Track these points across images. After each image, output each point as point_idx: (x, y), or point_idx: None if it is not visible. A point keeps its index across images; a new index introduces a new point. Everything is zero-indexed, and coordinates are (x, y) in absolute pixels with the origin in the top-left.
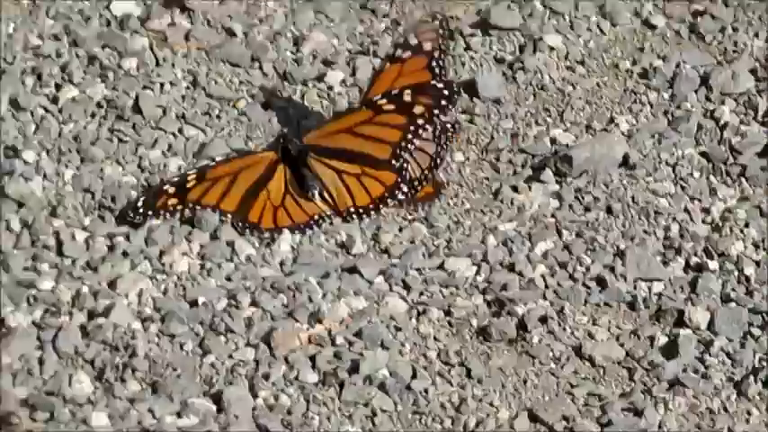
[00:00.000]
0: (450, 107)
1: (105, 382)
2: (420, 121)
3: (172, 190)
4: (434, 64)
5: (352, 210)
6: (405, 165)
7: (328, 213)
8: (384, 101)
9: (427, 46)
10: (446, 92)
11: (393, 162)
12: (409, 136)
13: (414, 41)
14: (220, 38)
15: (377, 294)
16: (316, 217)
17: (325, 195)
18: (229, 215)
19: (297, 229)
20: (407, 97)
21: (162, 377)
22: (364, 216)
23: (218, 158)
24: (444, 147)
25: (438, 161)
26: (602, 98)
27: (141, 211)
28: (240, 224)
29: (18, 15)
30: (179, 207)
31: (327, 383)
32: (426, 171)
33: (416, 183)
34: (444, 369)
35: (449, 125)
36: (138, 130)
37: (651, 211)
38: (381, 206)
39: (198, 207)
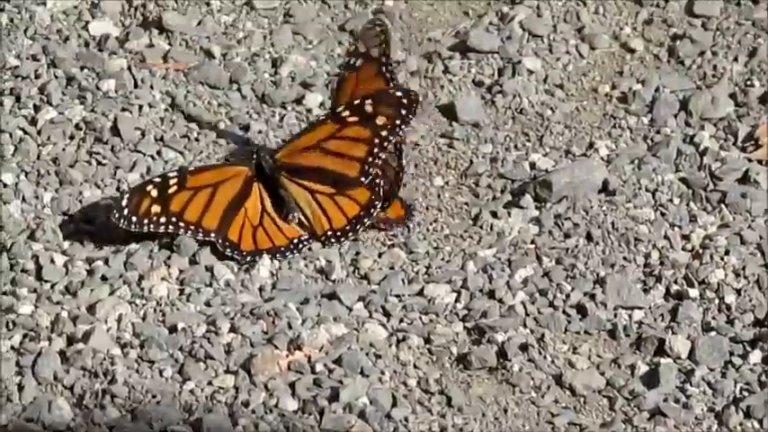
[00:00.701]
0: (411, 116)
1: (85, 408)
2: (383, 133)
3: (154, 193)
4: (384, 70)
5: (329, 233)
6: (377, 180)
7: (308, 237)
8: (347, 112)
9: (374, 52)
10: (405, 100)
11: (362, 179)
12: (375, 150)
13: (362, 49)
14: (198, 59)
15: (356, 321)
16: (296, 241)
17: (301, 218)
18: (212, 234)
19: (278, 253)
20: (369, 108)
21: (141, 404)
22: (342, 239)
23: (194, 166)
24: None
25: (401, 174)
26: (582, 122)
27: (126, 213)
28: (221, 243)
29: None
30: (162, 220)
31: (307, 411)
32: (393, 185)
33: (383, 199)
34: (424, 397)
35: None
36: (116, 153)
37: (631, 237)
38: (359, 227)
39: (180, 225)
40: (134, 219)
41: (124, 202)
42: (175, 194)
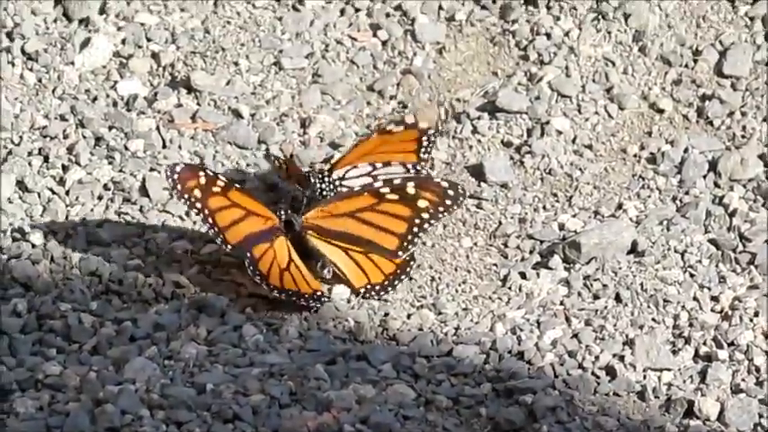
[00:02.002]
0: (455, 207)
1: None
2: (425, 216)
3: (202, 180)
4: (425, 139)
5: (368, 286)
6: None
7: (328, 295)
8: (386, 189)
9: (423, 124)
10: (451, 192)
11: (400, 253)
12: (415, 229)
13: (410, 120)
14: (227, 119)
15: (385, 382)
16: (318, 293)
17: (337, 272)
18: (230, 248)
19: (300, 299)
20: (411, 190)
21: None
22: (381, 294)
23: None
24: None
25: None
26: (610, 183)
27: (175, 179)
28: (248, 264)
29: (24, 95)
30: (198, 206)
31: None
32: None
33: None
34: None
35: None
36: (144, 213)
37: (660, 299)
38: (396, 283)
39: (209, 222)
40: (179, 188)
41: (177, 169)
42: (216, 195)
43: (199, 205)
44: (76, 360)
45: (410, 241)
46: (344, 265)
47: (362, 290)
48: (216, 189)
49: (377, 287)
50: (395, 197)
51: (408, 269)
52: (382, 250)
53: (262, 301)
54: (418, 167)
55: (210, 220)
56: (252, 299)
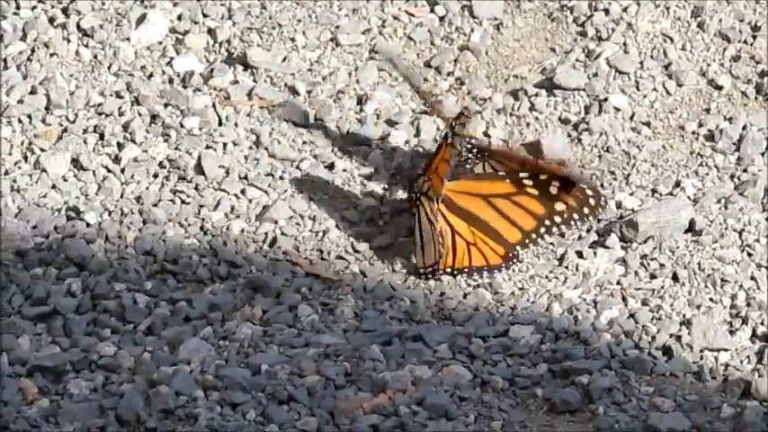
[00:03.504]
0: (592, 217)
1: None
2: (557, 220)
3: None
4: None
5: (448, 269)
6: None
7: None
8: (530, 182)
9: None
10: (592, 200)
11: (518, 248)
12: (542, 230)
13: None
14: (283, 96)
15: (441, 362)
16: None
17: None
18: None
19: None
20: (554, 189)
21: None
22: (456, 276)
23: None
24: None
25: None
26: (668, 161)
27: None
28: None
29: (80, 72)
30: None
31: None
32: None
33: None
34: None
35: None
36: (200, 191)
37: (717, 278)
38: (474, 275)
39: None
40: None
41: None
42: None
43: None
44: (131, 341)
45: (533, 240)
46: (443, 243)
47: (441, 270)
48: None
49: (455, 272)
50: (535, 192)
51: (495, 272)
52: (501, 240)
53: (317, 281)
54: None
55: None
56: (307, 278)
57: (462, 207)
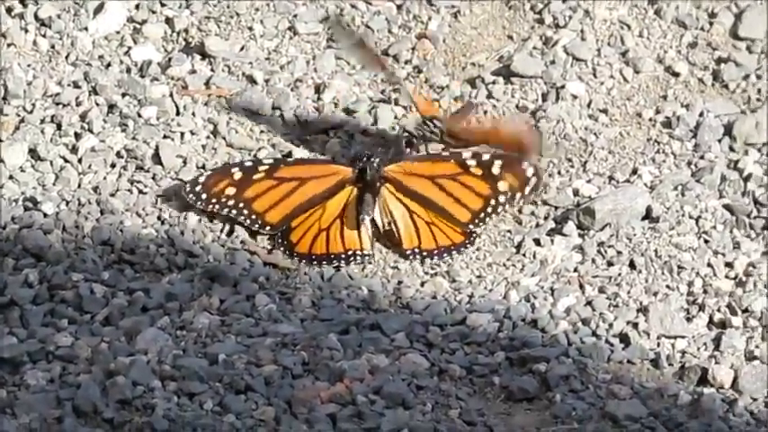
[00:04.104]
0: (533, 195)
1: None
2: (501, 199)
3: (237, 176)
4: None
5: (416, 250)
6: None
7: (365, 252)
8: (473, 162)
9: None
10: (534, 178)
11: (470, 227)
12: (489, 210)
13: None
14: (241, 85)
15: (398, 351)
16: (350, 252)
17: (393, 229)
18: (268, 228)
19: (326, 261)
20: (496, 169)
21: None
22: (425, 259)
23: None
24: None
25: None
26: (625, 148)
27: (198, 190)
28: (278, 240)
29: (37, 62)
30: (230, 203)
31: None
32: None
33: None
34: (466, 428)
35: None
36: (157, 181)
37: (674, 265)
38: (445, 256)
39: (244, 212)
40: (204, 196)
41: (201, 179)
42: (258, 181)
43: (232, 202)
44: (88, 331)
45: (482, 219)
46: (403, 225)
47: (409, 252)
48: (258, 176)
49: (424, 253)
50: (479, 172)
51: (462, 250)
52: (453, 220)
53: (275, 270)
54: None
55: (246, 211)
56: (265, 268)
57: (411, 188)
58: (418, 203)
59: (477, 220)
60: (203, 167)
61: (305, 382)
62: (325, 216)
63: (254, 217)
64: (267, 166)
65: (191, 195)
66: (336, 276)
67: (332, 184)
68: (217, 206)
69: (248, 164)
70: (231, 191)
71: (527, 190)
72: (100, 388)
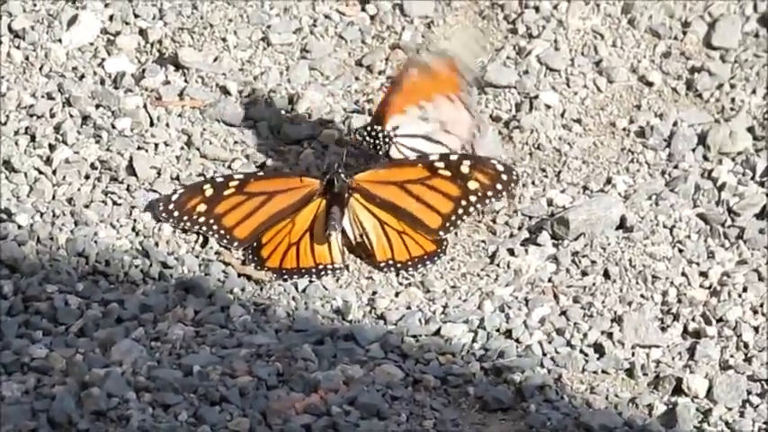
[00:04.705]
0: (505, 193)
1: None
2: (472, 199)
3: (209, 192)
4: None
5: (390, 262)
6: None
7: (336, 266)
8: (441, 164)
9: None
10: (504, 176)
11: (441, 233)
12: (460, 211)
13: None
14: (215, 96)
15: (373, 362)
16: (320, 266)
17: (365, 241)
18: (236, 244)
19: (297, 275)
20: (465, 169)
21: None
22: (400, 271)
23: (267, 169)
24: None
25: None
26: (599, 158)
27: (170, 208)
28: (249, 256)
29: (11, 73)
30: (201, 220)
31: None
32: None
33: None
34: None
35: None
36: (131, 192)
37: (648, 275)
38: (419, 267)
39: (213, 227)
40: (176, 214)
41: (174, 197)
42: (228, 197)
43: (203, 219)
44: (63, 342)
45: (453, 222)
46: (375, 236)
47: (382, 264)
48: (228, 191)
49: (398, 264)
50: (447, 174)
51: (435, 259)
52: (424, 227)
53: (249, 282)
54: (462, 95)
55: (216, 227)
56: (239, 279)
57: (381, 197)
58: (388, 212)
59: (448, 224)
60: (177, 178)
61: (280, 393)
62: (294, 230)
63: (222, 232)
64: (237, 182)
65: (163, 214)
66: (311, 287)
67: (300, 197)
68: (188, 224)
69: (220, 179)
70: (202, 207)
71: (498, 187)
72: (75, 399)
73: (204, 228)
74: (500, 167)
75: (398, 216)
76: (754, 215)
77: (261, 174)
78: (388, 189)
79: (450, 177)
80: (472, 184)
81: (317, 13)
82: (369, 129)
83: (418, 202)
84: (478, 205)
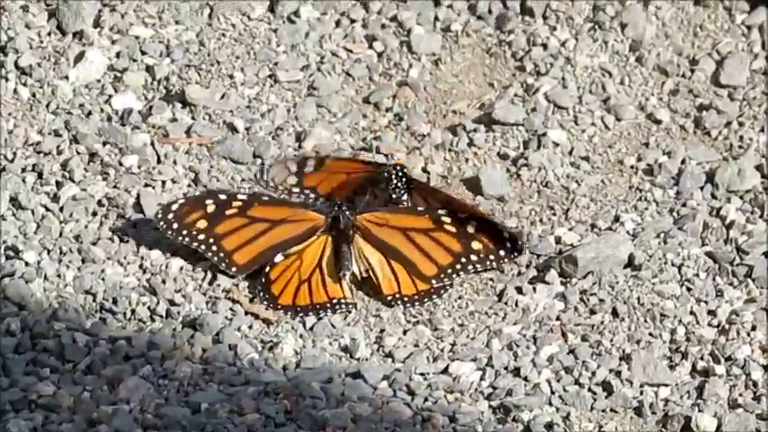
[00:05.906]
0: (507, 260)
1: None
2: (473, 258)
3: (210, 209)
4: None
5: (397, 296)
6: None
7: (348, 301)
8: (448, 219)
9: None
10: (509, 243)
11: (434, 282)
12: (458, 267)
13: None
14: (222, 133)
15: (381, 400)
16: (334, 300)
17: (371, 276)
18: (234, 270)
19: (312, 311)
20: (471, 228)
21: None
22: (407, 305)
23: (268, 196)
24: None
25: None
26: (607, 195)
27: (170, 218)
28: (261, 294)
29: (18, 110)
30: (200, 237)
31: None
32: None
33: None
34: None
35: None
36: (139, 230)
37: (657, 313)
38: (426, 300)
39: (213, 248)
40: (175, 225)
41: (174, 207)
42: (230, 218)
43: (202, 237)
44: (70, 380)
45: (448, 275)
46: (381, 272)
47: (390, 298)
48: (230, 212)
49: (405, 298)
50: (452, 229)
51: (442, 291)
52: (418, 273)
53: (257, 319)
54: None
55: (215, 248)
56: (247, 317)
57: (382, 239)
58: (390, 254)
59: (442, 275)
60: None
61: (287, 431)
62: (303, 267)
63: (222, 255)
64: (240, 202)
65: (162, 223)
66: (318, 325)
67: (303, 230)
68: (187, 238)
69: (222, 197)
70: (203, 224)
71: (502, 253)
72: None
73: (203, 246)
74: (506, 234)
75: (396, 258)
76: (763, 253)
77: (265, 198)
78: (390, 232)
79: (455, 233)
80: (476, 244)
81: (324, 51)
82: (400, 169)
83: (418, 249)
84: (478, 266)
